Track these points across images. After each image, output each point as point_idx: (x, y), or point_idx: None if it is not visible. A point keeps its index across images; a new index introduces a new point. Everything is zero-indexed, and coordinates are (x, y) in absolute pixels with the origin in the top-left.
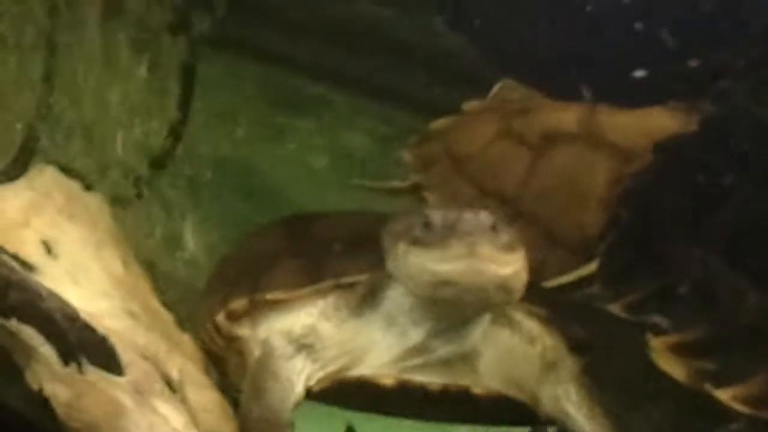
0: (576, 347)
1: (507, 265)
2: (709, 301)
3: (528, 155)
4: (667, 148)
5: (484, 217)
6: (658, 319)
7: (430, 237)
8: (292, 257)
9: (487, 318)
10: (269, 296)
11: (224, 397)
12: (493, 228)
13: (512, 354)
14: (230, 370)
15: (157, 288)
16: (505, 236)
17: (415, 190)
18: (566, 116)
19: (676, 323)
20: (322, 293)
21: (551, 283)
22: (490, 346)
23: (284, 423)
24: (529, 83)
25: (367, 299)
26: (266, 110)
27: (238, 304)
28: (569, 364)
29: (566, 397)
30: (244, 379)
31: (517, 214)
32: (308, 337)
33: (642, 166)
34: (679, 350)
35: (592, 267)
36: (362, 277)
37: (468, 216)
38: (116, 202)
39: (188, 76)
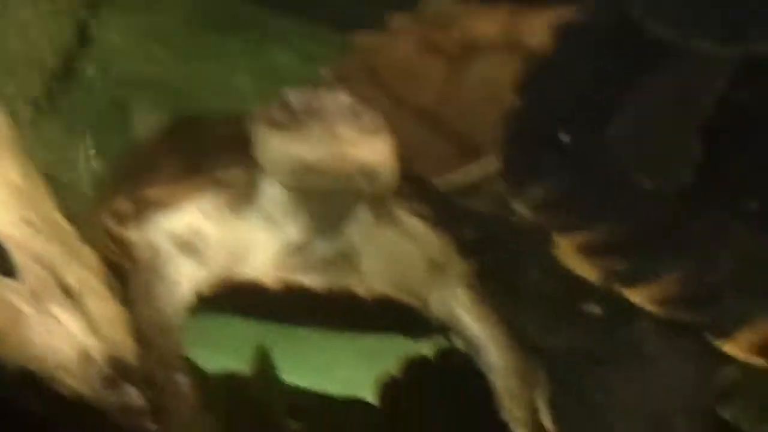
0: (466, 249)
1: (369, 148)
2: (619, 197)
3: (448, 66)
4: (565, 36)
5: (344, 98)
6: (564, 217)
7: (287, 120)
8: (172, 154)
9: (367, 214)
10: (148, 193)
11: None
12: (354, 110)
13: (396, 254)
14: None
15: (60, 202)
16: (366, 118)
17: None
18: (486, 25)
19: (584, 221)
20: (199, 189)
21: (444, 181)
22: (373, 245)
23: (175, 326)
24: None
25: (245, 195)
26: (190, 30)
27: (122, 204)
28: (459, 266)
29: (456, 300)
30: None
31: (438, 126)
32: (191, 236)
33: (540, 55)
34: (588, 250)
35: (487, 164)
36: (238, 172)
37: (327, 97)
38: (15, 114)
39: None
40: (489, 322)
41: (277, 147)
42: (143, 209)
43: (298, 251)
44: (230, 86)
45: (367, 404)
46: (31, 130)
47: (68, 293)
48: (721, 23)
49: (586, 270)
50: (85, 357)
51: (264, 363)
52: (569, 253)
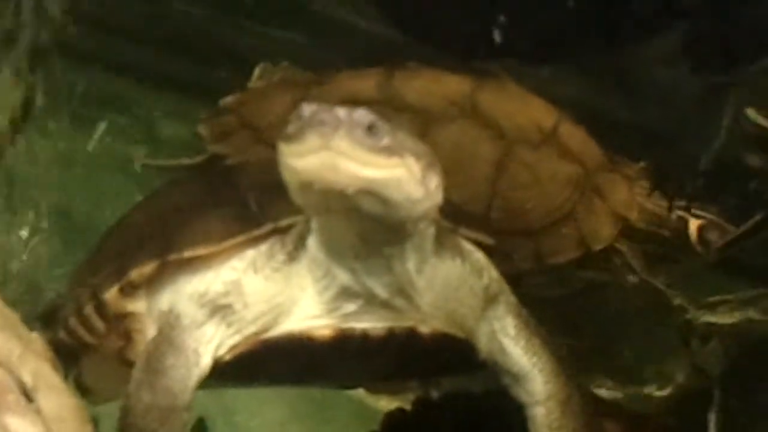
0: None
1: (372, 166)
2: None
3: None
4: None
5: (360, 115)
6: None
7: (292, 130)
8: (217, 207)
9: (424, 246)
10: (188, 253)
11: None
12: (370, 128)
13: (459, 287)
14: (95, 362)
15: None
16: (385, 139)
17: (216, 161)
18: (364, 82)
19: None
20: (256, 241)
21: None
22: (434, 278)
23: (180, 407)
24: None
25: (303, 239)
26: (78, 106)
27: (143, 270)
28: (508, 296)
29: (503, 332)
30: (127, 365)
31: None
32: (228, 296)
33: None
34: None
35: None
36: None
37: (339, 110)
38: None
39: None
40: (535, 351)
41: (284, 160)
42: (167, 275)
43: (352, 296)
44: (124, 156)
45: None
46: None
47: (26, 394)
48: None
49: None
50: None
51: None
52: None
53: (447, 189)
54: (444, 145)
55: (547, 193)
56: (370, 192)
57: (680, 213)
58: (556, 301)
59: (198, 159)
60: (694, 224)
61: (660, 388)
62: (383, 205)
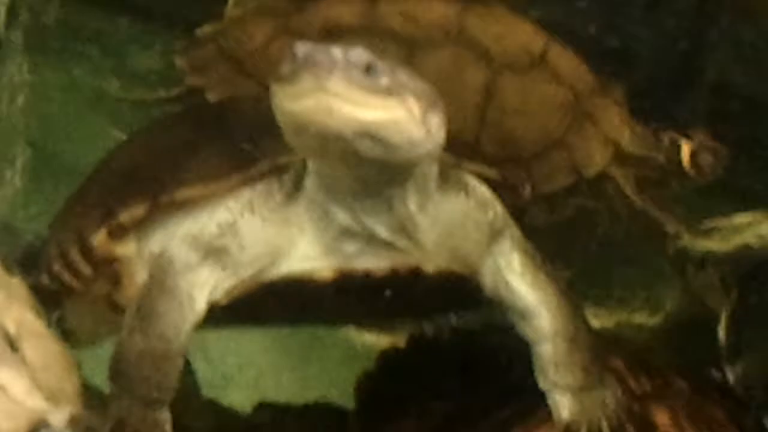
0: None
1: (370, 107)
2: None
3: None
4: None
5: (357, 54)
6: None
7: (285, 71)
8: (210, 146)
9: (427, 185)
10: (181, 195)
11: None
12: (368, 68)
13: (464, 222)
14: (79, 306)
15: None
16: (383, 79)
17: (194, 94)
18: (346, 9)
19: None
20: (252, 181)
21: None
22: (438, 215)
23: (175, 353)
24: None
25: (301, 178)
26: (47, 38)
27: (133, 213)
28: (513, 231)
29: (509, 267)
30: (114, 309)
31: None
32: (223, 237)
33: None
34: None
35: None
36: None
37: (334, 49)
38: None
39: None
40: (541, 287)
41: (278, 103)
42: (158, 218)
43: (352, 236)
44: (97, 89)
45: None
46: None
47: (11, 343)
48: None
49: None
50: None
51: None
52: None
53: None
54: (430, 72)
55: (538, 119)
56: (368, 135)
57: (672, 135)
58: (545, 229)
59: (175, 91)
60: (686, 147)
61: (650, 316)
62: (382, 148)
